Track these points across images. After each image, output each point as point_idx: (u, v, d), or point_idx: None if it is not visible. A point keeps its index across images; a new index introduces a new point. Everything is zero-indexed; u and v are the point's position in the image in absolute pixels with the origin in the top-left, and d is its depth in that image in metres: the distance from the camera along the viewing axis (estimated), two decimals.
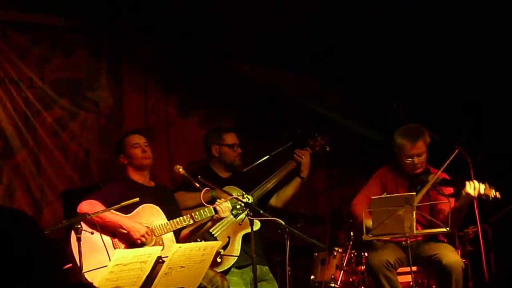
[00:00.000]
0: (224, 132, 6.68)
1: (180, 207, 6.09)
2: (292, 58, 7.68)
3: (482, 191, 5.90)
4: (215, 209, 5.75)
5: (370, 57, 7.71)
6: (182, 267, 5.01)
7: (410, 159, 6.28)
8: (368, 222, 5.86)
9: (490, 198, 5.97)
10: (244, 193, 5.95)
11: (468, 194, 5.95)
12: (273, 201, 6.51)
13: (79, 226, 5.19)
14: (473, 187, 5.92)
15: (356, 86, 7.89)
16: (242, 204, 5.80)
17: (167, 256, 5.05)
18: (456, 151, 6.18)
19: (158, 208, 5.78)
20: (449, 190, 6.18)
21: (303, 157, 6.58)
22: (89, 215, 5.30)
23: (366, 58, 7.71)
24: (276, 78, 7.90)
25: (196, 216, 5.74)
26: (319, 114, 8.06)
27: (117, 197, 5.58)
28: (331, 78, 7.84)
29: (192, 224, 5.80)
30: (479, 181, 5.96)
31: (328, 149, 6.83)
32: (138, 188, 5.90)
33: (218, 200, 5.80)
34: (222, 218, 5.87)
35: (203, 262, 5.13)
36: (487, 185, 5.94)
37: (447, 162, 6.19)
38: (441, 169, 6.21)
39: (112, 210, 5.50)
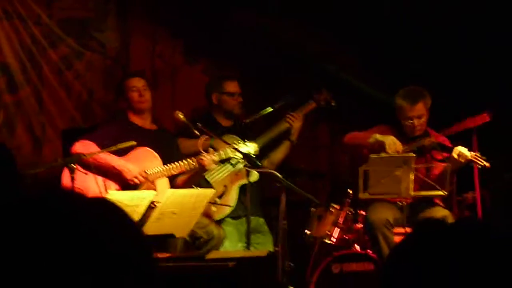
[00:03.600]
0: (225, 80, 6.66)
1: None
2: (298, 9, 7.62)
3: (468, 157, 5.90)
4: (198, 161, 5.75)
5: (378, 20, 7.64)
6: (174, 213, 5.01)
7: (410, 121, 6.26)
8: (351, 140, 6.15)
9: (479, 166, 5.97)
10: (247, 140, 5.92)
11: (454, 159, 5.97)
12: (265, 163, 6.47)
13: (73, 165, 5.18)
14: (460, 153, 5.93)
15: (363, 46, 7.81)
16: (241, 155, 5.79)
17: (159, 202, 5.04)
18: (471, 124, 6.14)
19: (154, 152, 5.77)
20: (445, 155, 6.19)
21: (295, 121, 6.56)
22: (84, 155, 5.30)
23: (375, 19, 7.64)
24: (284, 30, 7.82)
25: (185, 165, 5.73)
26: (325, 69, 7.99)
27: (112, 139, 5.60)
28: (336, 33, 7.76)
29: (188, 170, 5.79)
30: (470, 149, 5.96)
31: (333, 103, 6.80)
32: (136, 131, 5.89)
33: (208, 151, 5.78)
34: (205, 171, 5.86)
35: (195, 210, 5.12)
36: (477, 154, 5.95)
37: (452, 131, 6.19)
38: (441, 134, 6.21)
39: (106, 151, 5.49)
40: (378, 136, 6.19)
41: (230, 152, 5.82)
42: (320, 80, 7.70)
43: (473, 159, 5.95)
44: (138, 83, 6.07)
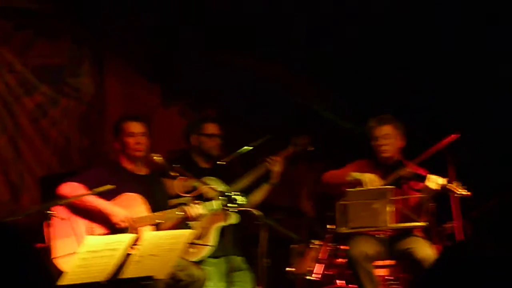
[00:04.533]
0: (204, 122, 6.70)
1: None
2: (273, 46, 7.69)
3: (440, 184, 5.94)
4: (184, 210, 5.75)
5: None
6: (153, 255, 4.99)
7: (376, 141, 6.34)
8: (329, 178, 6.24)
9: (456, 195, 5.99)
10: (234, 191, 5.93)
11: (426, 187, 6.01)
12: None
13: (49, 212, 5.13)
14: (433, 181, 5.96)
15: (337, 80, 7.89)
16: (222, 197, 5.78)
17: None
18: (441, 145, 6.17)
19: (140, 198, 5.73)
20: (422, 185, 6.21)
21: (275, 164, 6.59)
22: (62, 199, 5.28)
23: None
24: (258, 67, 7.87)
25: (171, 214, 5.73)
26: (302, 105, 8.04)
27: (100, 181, 5.53)
28: (311, 69, 7.83)
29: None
30: (446, 177, 6.00)
31: (310, 149, 6.85)
32: (124, 175, 5.84)
33: (190, 204, 5.78)
34: (188, 220, 5.84)
35: (174, 251, 5.09)
36: (455, 182, 5.97)
37: (423, 156, 6.22)
38: (415, 162, 6.24)
39: (92, 195, 5.47)
40: (355, 174, 6.24)
41: (216, 204, 5.84)
42: (296, 116, 7.75)
43: (448, 187, 5.97)
44: (136, 129, 5.94)
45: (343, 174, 6.37)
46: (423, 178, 6.18)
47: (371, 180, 6.14)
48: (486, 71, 7.44)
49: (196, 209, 5.76)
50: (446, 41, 7.55)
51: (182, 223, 5.86)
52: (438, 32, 7.56)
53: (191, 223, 6.06)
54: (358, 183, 6.15)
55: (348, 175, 6.28)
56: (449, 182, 6.02)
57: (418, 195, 6.18)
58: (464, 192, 5.98)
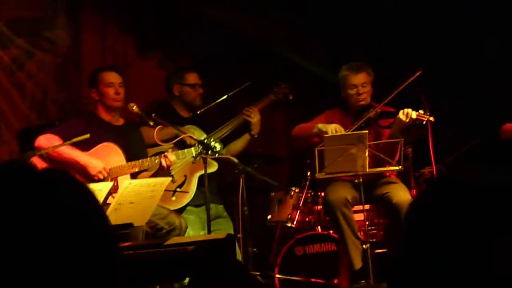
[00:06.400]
0: (186, 71, 6.73)
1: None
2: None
3: (414, 116, 5.96)
4: (160, 163, 5.76)
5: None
6: (132, 202, 5.02)
7: (354, 89, 6.35)
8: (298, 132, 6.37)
9: (424, 122, 6.00)
10: (213, 138, 5.97)
11: (399, 120, 6.02)
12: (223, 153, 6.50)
13: (29, 161, 5.16)
14: (406, 113, 5.98)
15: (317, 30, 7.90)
16: (201, 146, 5.82)
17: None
18: (404, 84, 6.18)
19: (117, 147, 5.76)
20: (391, 120, 6.24)
21: (252, 115, 6.60)
22: (39, 150, 5.29)
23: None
24: (234, 17, 7.85)
25: (147, 163, 5.75)
26: (279, 54, 8.04)
27: (77, 132, 5.56)
28: (285, 15, 7.83)
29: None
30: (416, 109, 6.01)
31: (290, 98, 6.87)
32: (101, 126, 5.86)
33: (165, 153, 5.79)
34: (168, 171, 5.86)
35: (153, 198, 5.13)
36: (420, 111, 5.98)
37: (392, 94, 6.23)
38: (383, 102, 6.26)
39: (69, 146, 5.48)
40: (321, 126, 6.27)
41: (191, 152, 5.86)
42: (272, 65, 7.77)
43: (417, 116, 5.97)
44: (115, 79, 5.97)
45: (311, 126, 6.40)
46: (392, 115, 6.19)
47: (335, 130, 6.16)
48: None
49: (171, 157, 5.77)
50: None
51: (164, 172, 5.89)
52: None
53: (173, 172, 6.09)
54: (324, 134, 6.17)
55: (315, 127, 6.31)
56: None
57: (387, 130, 6.22)
58: (430, 117, 5.97)
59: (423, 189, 1.54)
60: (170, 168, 5.82)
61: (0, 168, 1.34)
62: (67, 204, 1.32)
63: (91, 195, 1.40)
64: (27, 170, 1.35)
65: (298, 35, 8.01)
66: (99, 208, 1.40)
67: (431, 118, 5.95)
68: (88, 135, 5.48)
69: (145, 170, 5.84)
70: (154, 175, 5.82)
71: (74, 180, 1.39)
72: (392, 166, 6.02)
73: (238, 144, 6.65)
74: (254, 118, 6.62)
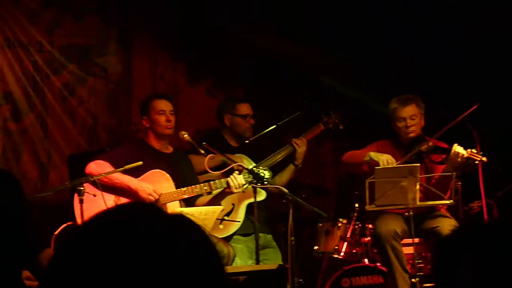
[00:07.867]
0: (238, 102, 6.71)
1: None
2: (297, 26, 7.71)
3: (466, 155, 5.91)
4: (227, 182, 5.76)
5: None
6: None
7: (403, 122, 6.32)
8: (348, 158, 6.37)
9: (476, 162, 5.95)
10: (261, 167, 5.96)
11: (451, 158, 5.98)
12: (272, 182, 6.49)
13: (81, 188, 5.21)
14: (457, 153, 5.94)
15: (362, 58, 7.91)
16: (250, 174, 5.81)
17: None
18: (458, 119, 6.15)
19: (166, 175, 5.77)
20: (443, 156, 6.19)
21: (300, 144, 6.59)
22: (92, 177, 5.33)
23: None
24: (281, 46, 7.87)
25: (214, 186, 5.75)
26: (326, 84, 8.04)
27: (127, 159, 5.59)
28: (336, 47, 7.84)
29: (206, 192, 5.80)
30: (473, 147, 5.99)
31: (341, 127, 6.82)
32: (151, 153, 5.88)
33: (233, 174, 5.79)
34: (233, 193, 5.85)
35: (205, 227, 5.12)
36: (473, 150, 5.94)
37: (445, 128, 6.19)
38: (435, 136, 6.23)
39: (119, 172, 5.51)
40: (373, 155, 6.24)
41: (245, 180, 5.86)
42: (322, 95, 7.77)
43: (469, 156, 5.94)
44: (166, 106, 5.97)
45: (362, 154, 6.38)
46: (445, 151, 6.16)
47: (387, 161, 6.13)
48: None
49: (239, 179, 5.77)
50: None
51: (221, 197, 5.89)
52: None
53: (221, 200, 6.08)
54: (375, 163, 6.15)
55: (366, 155, 6.30)
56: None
57: (440, 166, 6.18)
58: (483, 158, 5.93)
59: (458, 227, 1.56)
60: (237, 191, 5.81)
61: (131, 213, 1.35)
62: (195, 249, 1.36)
63: (210, 240, 1.41)
64: (158, 213, 1.36)
65: (350, 66, 7.99)
66: (216, 253, 1.40)
67: (484, 159, 5.92)
68: (141, 162, 5.50)
69: (200, 195, 5.83)
70: (213, 200, 5.83)
71: (196, 225, 1.40)
72: (443, 200, 5.97)
73: (284, 177, 6.62)
74: (301, 148, 6.60)
